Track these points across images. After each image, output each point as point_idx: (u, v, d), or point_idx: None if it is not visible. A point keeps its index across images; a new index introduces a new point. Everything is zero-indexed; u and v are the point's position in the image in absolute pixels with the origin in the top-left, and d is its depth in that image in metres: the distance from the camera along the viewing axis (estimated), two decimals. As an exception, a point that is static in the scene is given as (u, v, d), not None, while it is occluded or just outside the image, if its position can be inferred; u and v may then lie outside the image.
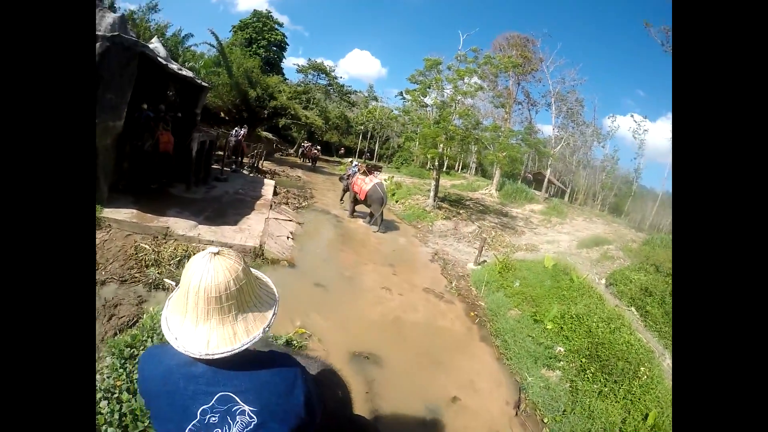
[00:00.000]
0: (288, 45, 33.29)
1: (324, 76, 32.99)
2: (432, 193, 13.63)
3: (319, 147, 25.88)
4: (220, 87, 19.56)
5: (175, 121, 8.30)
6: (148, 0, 16.78)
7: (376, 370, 3.94)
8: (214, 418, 0.98)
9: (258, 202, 8.55)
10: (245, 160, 14.05)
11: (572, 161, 31.26)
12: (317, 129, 28.30)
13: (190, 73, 8.00)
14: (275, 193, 10.58)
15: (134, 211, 5.60)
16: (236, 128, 13.31)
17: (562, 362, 4.81)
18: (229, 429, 0.98)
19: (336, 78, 33.14)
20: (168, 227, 5.35)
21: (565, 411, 4.04)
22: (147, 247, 5.10)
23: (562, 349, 5.04)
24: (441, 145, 12.72)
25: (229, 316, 1.01)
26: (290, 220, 8.39)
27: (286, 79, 29.73)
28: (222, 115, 20.00)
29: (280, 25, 32.27)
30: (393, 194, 15.59)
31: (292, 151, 27.84)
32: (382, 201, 9.56)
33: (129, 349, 2.81)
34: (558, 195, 30.19)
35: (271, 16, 31.83)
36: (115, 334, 3.48)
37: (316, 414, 1.11)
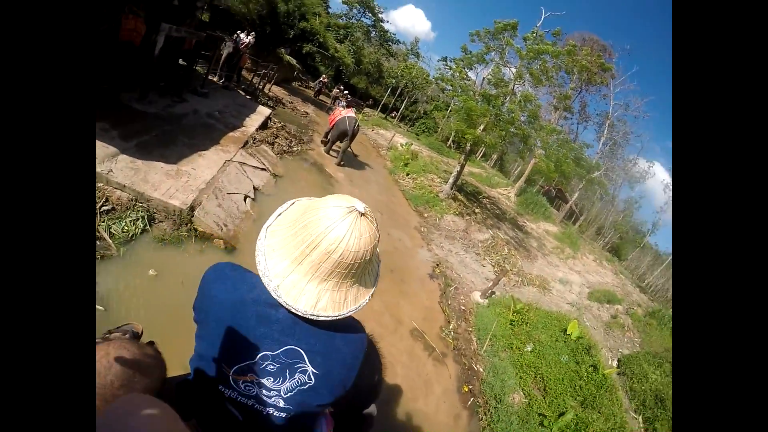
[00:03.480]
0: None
1: (370, 15, 29.64)
2: (452, 180, 11.60)
3: (347, 92, 22.10)
4: None
5: (166, 10, 6.18)
6: None
7: None
8: (272, 367, 0.85)
9: (231, 133, 6.48)
10: (244, 75, 11.69)
11: (596, 191, 29.27)
12: (345, 68, 25.45)
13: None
14: (264, 126, 8.43)
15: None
16: (238, 32, 10.68)
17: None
18: (282, 382, 0.85)
19: (382, 21, 29.85)
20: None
21: None
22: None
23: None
24: (482, 127, 10.54)
25: (348, 282, 0.84)
26: (263, 169, 6.32)
27: (328, 8, 26.44)
28: (244, 26, 17.20)
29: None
30: (406, 164, 13.71)
31: (313, 84, 25.11)
32: (345, 133, 9.32)
33: None
34: (568, 217, 28.28)
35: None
36: None
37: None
